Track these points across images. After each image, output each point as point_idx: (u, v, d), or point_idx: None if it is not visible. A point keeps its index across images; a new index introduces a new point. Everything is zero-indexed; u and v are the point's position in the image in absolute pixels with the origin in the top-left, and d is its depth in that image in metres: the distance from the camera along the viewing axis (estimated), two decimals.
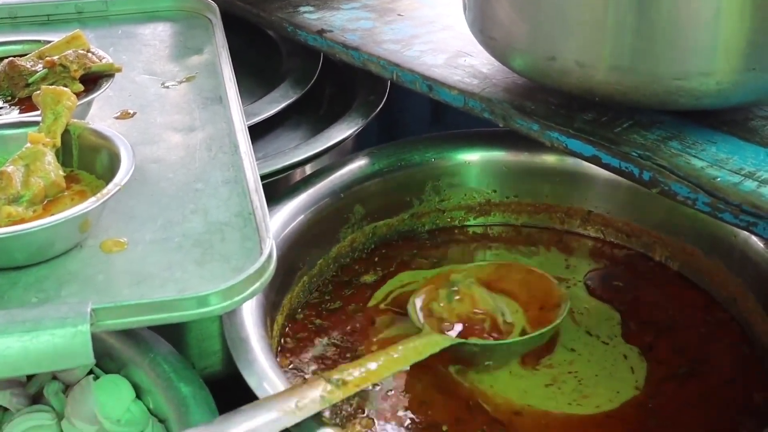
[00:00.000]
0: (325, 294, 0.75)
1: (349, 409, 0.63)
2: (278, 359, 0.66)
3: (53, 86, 0.64)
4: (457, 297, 0.70)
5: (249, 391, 0.56)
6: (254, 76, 0.84)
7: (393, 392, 0.65)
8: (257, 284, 0.56)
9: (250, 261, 0.58)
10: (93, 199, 0.57)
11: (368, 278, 0.76)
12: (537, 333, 0.66)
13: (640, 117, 0.65)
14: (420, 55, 0.78)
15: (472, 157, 0.81)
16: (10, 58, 0.72)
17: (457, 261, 0.78)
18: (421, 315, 0.68)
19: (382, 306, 0.73)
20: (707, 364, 0.67)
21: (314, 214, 0.74)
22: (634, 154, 0.61)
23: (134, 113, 0.77)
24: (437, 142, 0.82)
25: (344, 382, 0.57)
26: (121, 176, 0.59)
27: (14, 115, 0.70)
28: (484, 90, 0.71)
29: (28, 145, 0.60)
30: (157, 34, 0.96)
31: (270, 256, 0.57)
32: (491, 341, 0.67)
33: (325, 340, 0.70)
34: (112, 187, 0.58)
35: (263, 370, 0.57)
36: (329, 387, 0.56)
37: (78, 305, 0.51)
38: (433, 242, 0.81)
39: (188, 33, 0.95)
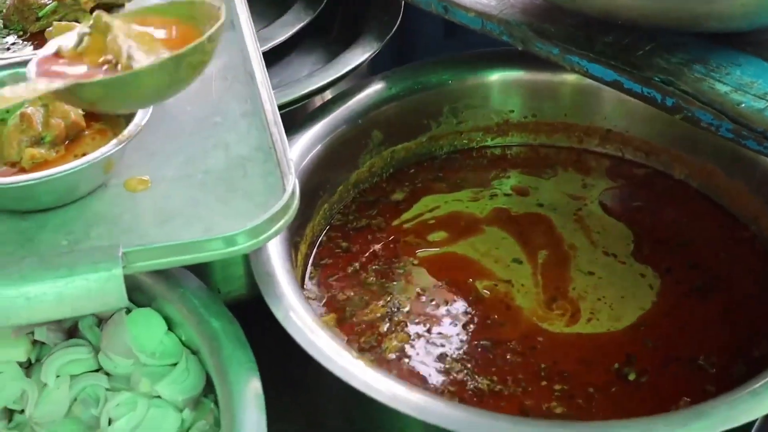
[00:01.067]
0: (349, 215, 0.76)
1: (385, 327, 0.65)
2: (306, 287, 0.68)
3: (65, 23, 0.63)
4: (86, 43, 0.59)
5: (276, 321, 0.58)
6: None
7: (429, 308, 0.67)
8: (282, 221, 0.56)
9: (273, 197, 0.58)
10: (115, 141, 0.57)
11: (393, 197, 0.77)
12: (164, 58, 0.56)
13: (662, 39, 0.63)
14: None
15: (490, 77, 0.80)
16: None
17: (476, 183, 0.79)
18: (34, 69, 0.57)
19: (406, 226, 0.74)
20: (727, 281, 0.68)
21: (332, 141, 0.74)
22: (656, 79, 0.60)
23: None
24: (454, 63, 0.81)
25: None
26: (142, 115, 0.59)
27: (28, 51, 0.69)
28: (502, 12, 0.69)
29: None
30: None
31: (293, 193, 0.57)
32: (102, 78, 0.55)
33: (354, 262, 0.71)
34: (133, 128, 0.58)
35: (290, 304, 0.58)
36: None
37: (109, 249, 0.52)
38: (452, 165, 0.81)
39: None
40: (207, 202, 0.59)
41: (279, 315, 0.57)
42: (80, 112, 0.61)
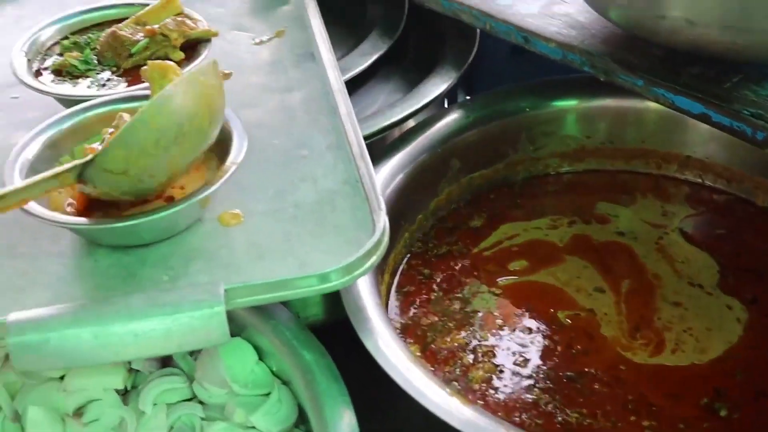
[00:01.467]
0: (428, 242, 0.77)
1: (470, 357, 0.66)
2: (390, 315, 0.69)
3: (159, 61, 0.65)
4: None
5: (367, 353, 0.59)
6: (338, 25, 0.84)
7: (513, 338, 0.67)
8: (374, 258, 0.57)
9: (363, 233, 0.59)
10: (217, 182, 0.58)
11: (471, 224, 0.78)
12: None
13: (749, 71, 0.63)
14: (512, 3, 0.76)
15: (567, 104, 0.81)
16: (112, 29, 0.73)
17: (554, 210, 0.79)
18: None
19: (486, 254, 0.75)
20: None
21: (413, 170, 0.75)
22: (745, 112, 0.60)
23: (230, 73, 0.78)
24: (531, 90, 0.81)
25: None
26: (238, 149, 0.61)
27: (122, 87, 0.71)
28: (584, 42, 0.70)
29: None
30: None
31: (384, 230, 0.59)
32: None
33: (435, 287, 0.72)
34: (230, 165, 0.59)
35: (383, 339, 0.59)
36: None
37: (212, 287, 0.53)
38: (528, 191, 0.82)
39: None
40: (299, 237, 0.60)
41: (374, 352, 0.58)
42: None
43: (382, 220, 0.59)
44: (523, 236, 0.77)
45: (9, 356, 0.60)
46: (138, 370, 0.66)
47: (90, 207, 0.59)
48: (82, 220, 0.57)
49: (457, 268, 0.74)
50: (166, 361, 0.67)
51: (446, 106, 0.91)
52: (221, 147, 0.63)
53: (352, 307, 0.61)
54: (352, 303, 0.61)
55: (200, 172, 0.63)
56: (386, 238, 0.59)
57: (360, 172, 0.65)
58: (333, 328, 0.64)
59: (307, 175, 0.66)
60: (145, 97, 0.66)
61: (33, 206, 0.57)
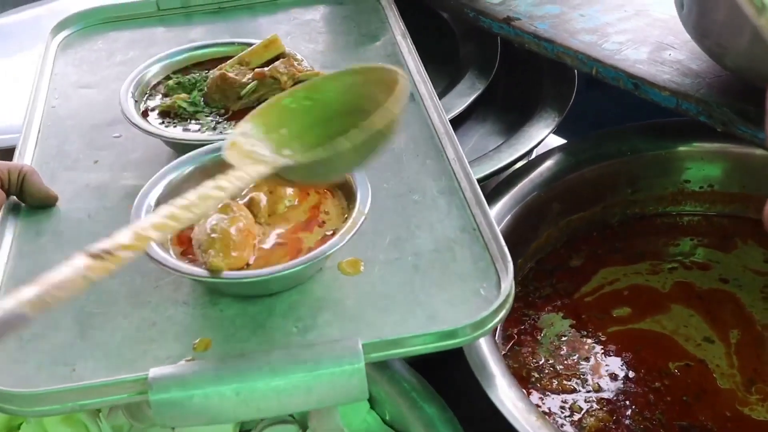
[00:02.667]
0: (528, 285, 0.76)
1: (582, 404, 0.65)
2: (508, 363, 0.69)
3: (268, 104, 0.65)
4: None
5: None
6: (430, 63, 0.83)
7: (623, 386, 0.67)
8: (503, 312, 0.57)
9: (488, 283, 0.59)
10: (341, 235, 0.58)
11: (571, 265, 0.78)
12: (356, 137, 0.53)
13: None
14: (620, 48, 0.76)
15: (667, 149, 0.80)
16: (222, 71, 0.74)
17: (653, 254, 0.79)
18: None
19: (587, 299, 0.74)
20: None
21: (517, 214, 0.75)
22: None
23: None
24: (630, 134, 0.81)
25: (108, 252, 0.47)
26: (364, 198, 0.60)
27: (230, 130, 0.71)
28: (699, 91, 0.69)
29: None
30: (328, 20, 0.96)
31: (512, 281, 0.58)
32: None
33: (539, 334, 0.72)
34: (359, 216, 0.59)
35: (506, 393, 0.59)
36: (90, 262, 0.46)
37: (351, 343, 0.53)
38: (624, 234, 0.81)
39: (359, 18, 0.94)
40: (423, 288, 0.59)
41: (495, 400, 0.58)
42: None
43: (510, 273, 0.58)
44: (624, 281, 0.76)
45: (129, 408, 0.61)
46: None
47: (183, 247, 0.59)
48: (205, 272, 0.57)
49: (561, 313, 0.73)
50: None
51: None
52: (345, 187, 0.63)
53: (476, 361, 0.60)
54: (474, 355, 0.61)
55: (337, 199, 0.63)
56: (513, 291, 0.58)
57: (477, 220, 0.64)
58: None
59: (423, 221, 0.65)
60: None
61: (155, 251, 0.57)
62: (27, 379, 0.55)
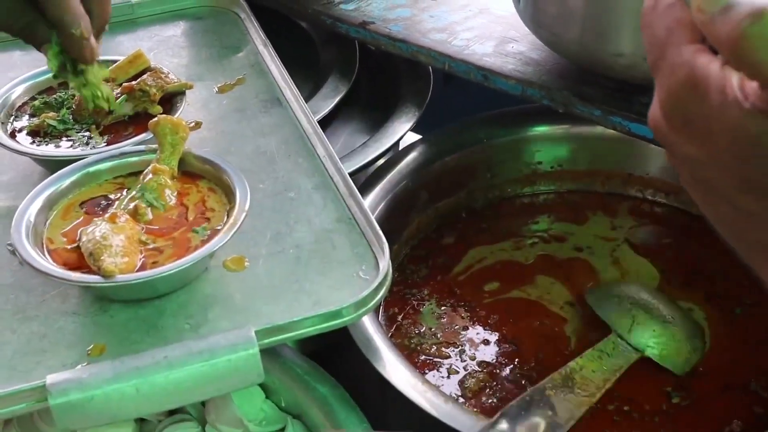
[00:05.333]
0: (405, 270, 0.81)
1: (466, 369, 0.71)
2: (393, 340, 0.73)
3: (169, 116, 0.67)
4: None
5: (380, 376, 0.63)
6: (292, 70, 0.87)
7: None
8: (383, 291, 0.61)
9: (367, 266, 0.63)
10: (223, 233, 0.61)
11: (441, 251, 0.83)
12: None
13: None
14: (468, 44, 0.82)
15: (519, 134, 0.87)
16: None
17: (514, 232, 0.85)
18: None
19: (461, 278, 0.80)
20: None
21: (388, 204, 0.79)
22: None
23: (201, 123, 0.81)
24: (486, 123, 0.87)
25: None
26: (243, 196, 0.63)
27: (104, 144, 0.72)
28: (541, 78, 0.76)
29: (147, 178, 0.64)
30: (189, 35, 0.98)
31: (388, 261, 0.62)
32: None
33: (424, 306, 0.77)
34: (240, 213, 0.62)
35: (393, 364, 0.63)
36: None
37: (243, 331, 0.56)
38: (488, 215, 0.88)
39: (219, 31, 0.97)
40: (307, 276, 0.63)
41: (384, 372, 0.62)
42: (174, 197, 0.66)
43: (386, 254, 0.63)
44: (491, 258, 0.82)
45: (35, 416, 0.61)
46: (144, 420, 0.67)
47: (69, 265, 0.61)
48: (96, 278, 0.58)
49: (437, 291, 0.79)
50: (173, 409, 0.68)
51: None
52: (223, 186, 0.66)
53: (361, 338, 0.64)
54: (360, 335, 0.65)
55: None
56: (391, 270, 0.63)
57: (352, 210, 0.68)
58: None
59: (300, 216, 0.69)
60: (150, 151, 0.68)
61: (43, 265, 0.58)
62: None
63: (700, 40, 0.38)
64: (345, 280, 0.63)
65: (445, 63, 0.81)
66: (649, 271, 0.81)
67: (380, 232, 0.64)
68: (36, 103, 0.77)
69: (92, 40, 0.68)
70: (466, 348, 0.73)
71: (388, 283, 0.62)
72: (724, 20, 0.35)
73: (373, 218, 0.66)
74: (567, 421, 0.62)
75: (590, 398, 0.65)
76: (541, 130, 0.87)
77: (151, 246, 0.61)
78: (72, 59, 0.69)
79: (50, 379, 0.52)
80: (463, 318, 0.76)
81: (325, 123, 0.87)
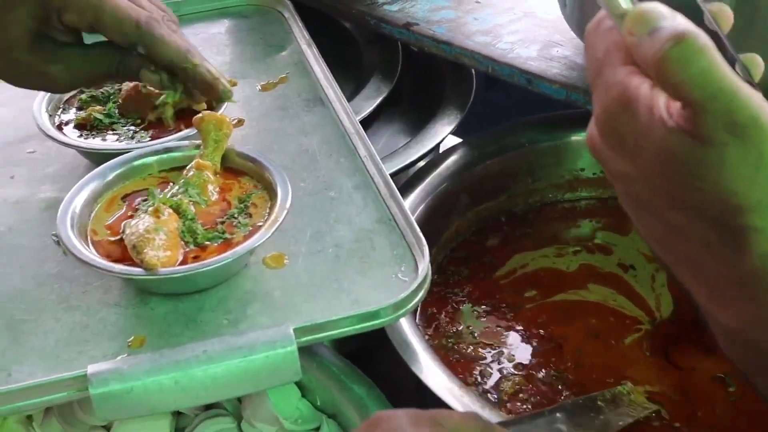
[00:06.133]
0: (446, 272, 0.80)
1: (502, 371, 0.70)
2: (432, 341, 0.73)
3: (213, 113, 0.68)
4: None
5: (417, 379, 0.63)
6: (335, 69, 0.87)
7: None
8: (422, 292, 0.61)
9: (407, 269, 0.63)
10: (264, 230, 0.61)
11: (482, 254, 0.82)
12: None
13: None
14: (512, 48, 0.82)
15: (562, 139, 0.86)
16: (135, 82, 0.75)
17: (556, 238, 0.84)
18: None
19: (503, 282, 0.79)
20: None
21: (428, 206, 0.79)
22: None
23: (243, 120, 0.81)
24: (528, 128, 0.87)
25: None
26: (285, 194, 0.63)
27: (148, 139, 0.73)
28: (586, 83, 0.75)
29: (190, 173, 0.65)
30: (234, 33, 0.99)
31: (428, 263, 0.62)
32: None
33: (464, 305, 0.77)
34: (280, 212, 0.62)
35: (430, 367, 0.63)
36: None
37: (282, 328, 0.56)
38: (529, 221, 0.87)
39: (264, 29, 0.98)
40: (346, 275, 0.63)
41: (420, 374, 0.62)
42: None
43: (426, 256, 0.62)
44: (533, 264, 0.81)
45: (75, 405, 0.62)
46: (180, 413, 0.67)
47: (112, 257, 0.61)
48: (138, 271, 0.59)
49: (477, 293, 0.78)
50: (209, 404, 0.69)
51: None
52: (266, 183, 0.66)
53: (398, 339, 0.64)
54: (397, 336, 0.64)
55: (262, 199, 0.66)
56: (430, 272, 0.62)
57: (392, 211, 0.68)
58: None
59: (341, 215, 0.69)
60: (194, 147, 0.68)
61: (87, 256, 0.59)
62: None
63: (635, 62, 0.40)
64: (384, 280, 0.63)
65: (488, 66, 0.81)
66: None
67: (420, 234, 0.64)
68: (83, 96, 0.78)
69: (213, 70, 0.71)
70: (504, 350, 0.72)
71: (426, 285, 0.61)
72: (650, 42, 0.38)
73: (413, 220, 0.65)
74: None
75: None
76: (584, 135, 0.86)
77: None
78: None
79: (91, 369, 0.53)
80: (502, 319, 0.75)
81: (366, 123, 0.87)
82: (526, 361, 0.71)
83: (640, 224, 0.44)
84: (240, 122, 0.80)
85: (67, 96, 0.79)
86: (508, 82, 0.82)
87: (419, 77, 0.96)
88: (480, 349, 0.72)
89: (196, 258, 0.60)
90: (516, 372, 0.70)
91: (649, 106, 0.38)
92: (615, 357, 0.71)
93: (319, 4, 0.98)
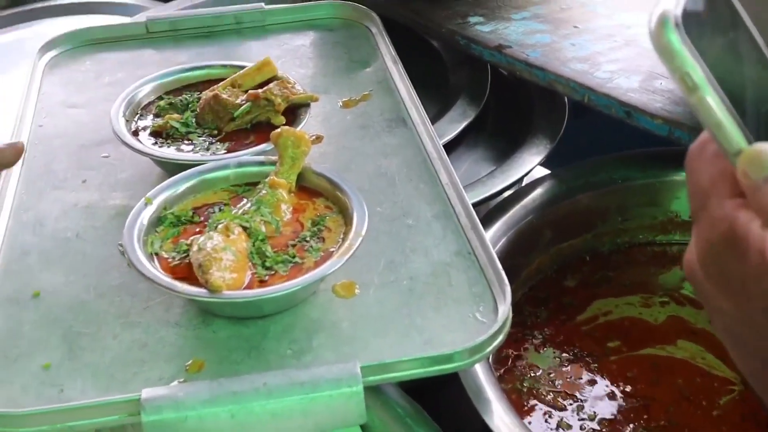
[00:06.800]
0: (523, 311, 0.76)
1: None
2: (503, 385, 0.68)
3: (292, 128, 0.65)
4: None
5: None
6: (419, 89, 0.84)
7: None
8: (500, 337, 0.56)
9: (486, 309, 0.59)
10: (338, 257, 0.57)
11: (563, 295, 0.77)
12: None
13: None
14: (611, 77, 0.77)
15: (658, 178, 0.80)
16: (215, 92, 0.73)
17: (643, 286, 0.78)
18: None
19: (585, 329, 0.74)
20: None
21: (509, 240, 0.74)
22: None
23: (322, 137, 0.78)
24: (622, 163, 0.81)
25: None
26: (360, 221, 0.60)
27: (223, 151, 0.71)
28: (692, 119, 0.70)
29: (263, 191, 0.62)
30: (318, 46, 0.96)
31: (509, 306, 0.58)
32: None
33: (543, 350, 0.72)
34: (355, 238, 0.58)
35: (503, 419, 0.58)
36: None
37: (349, 366, 0.52)
38: (615, 262, 0.81)
39: (349, 44, 0.95)
40: (419, 311, 0.59)
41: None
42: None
43: (508, 298, 0.58)
44: (617, 312, 0.76)
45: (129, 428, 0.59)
46: None
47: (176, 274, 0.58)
48: (202, 291, 0.56)
49: (555, 339, 0.73)
50: None
51: None
52: (341, 206, 0.63)
53: (470, 383, 0.60)
54: (470, 380, 0.60)
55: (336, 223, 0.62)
56: (510, 316, 0.58)
57: (472, 244, 0.64)
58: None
59: (417, 245, 0.65)
60: (270, 163, 0.65)
61: (150, 271, 0.56)
62: (13, 399, 0.53)
63: (742, 193, 0.37)
64: (460, 320, 0.58)
65: (585, 95, 0.76)
66: None
67: (502, 273, 0.59)
68: (162, 103, 0.76)
69: None
70: (585, 403, 0.67)
71: (506, 329, 0.57)
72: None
73: (495, 256, 0.61)
74: None
75: None
76: (682, 175, 0.80)
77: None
78: None
79: (145, 393, 0.50)
80: (584, 369, 0.70)
81: (449, 148, 0.83)
82: (610, 417, 0.66)
83: (738, 360, 0.42)
84: (318, 138, 0.77)
85: (145, 102, 0.77)
86: (602, 113, 0.77)
87: (506, 102, 0.92)
88: (560, 399, 0.67)
89: (263, 282, 0.57)
90: (598, 428, 0.64)
91: (761, 250, 0.36)
92: (707, 420, 0.66)
93: (408, 20, 0.94)
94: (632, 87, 0.75)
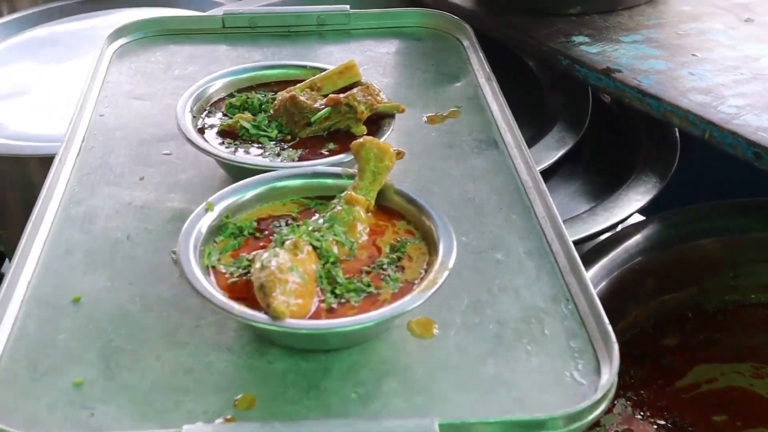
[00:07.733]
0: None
1: None
2: None
3: (375, 139, 0.57)
4: None
5: None
6: (512, 111, 0.76)
7: None
8: (603, 406, 0.47)
9: (586, 368, 0.50)
10: (420, 291, 0.49)
11: (662, 355, 0.68)
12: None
13: None
14: (738, 113, 0.68)
15: None
16: (292, 93, 0.66)
17: (754, 352, 0.69)
18: None
19: (686, 397, 0.65)
20: None
21: (606, 288, 0.66)
22: None
23: (403, 153, 0.70)
24: (740, 211, 0.72)
25: None
26: (447, 253, 0.52)
27: (295, 159, 0.63)
28: None
29: (338, 207, 0.54)
30: (404, 55, 0.89)
31: (616, 369, 0.49)
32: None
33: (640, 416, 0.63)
34: (440, 271, 0.50)
35: None
36: None
37: (426, 422, 0.44)
38: (722, 323, 0.72)
39: (438, 56, 0.87)
40: (507, 363, 0.50)
41: None
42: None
43: (615, 359, 0.49)
44: (723, 381, 0.67)
45: None
46: None
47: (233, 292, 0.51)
48: (261, 316, 0.48)
49: (655, 404, 0.64)
50: None
51: None
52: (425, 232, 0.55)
53: None
54: None
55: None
56: (615, 382, 0.49)
57: (571, 290, 0.55)
58: None
59: (507, 284, 0.56)
60: (348, 176, 0.58)
61: (204, 287, 0.49)
62: (37, 420, 0.46)
63: None
64: (554, 378, 0.49)
65: (706, 130, 0.67)
66: None
67: (609, 328, 0.50)
68: (233, 100, 0.69)
69: None
70: None
71: (610, 398, 0.48)
72: None
73: (600, 307, 0.52)
74: None
75: None
76: None
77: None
78: None
79: (186, 430, 0.43)
80: None
81: (543, 177, 0.75)
82: None
83: None
84: (400, 154, 0.69)
85: (215, 98, 0.71)
86: (723, 152, 0.67)
87: (606, 132, 0.83)
88: None
89: (331, 311, 0.49)
90: None
91: None
92: None
93: (503, 35, 0.86)
94: (763, 126, 0.66)
